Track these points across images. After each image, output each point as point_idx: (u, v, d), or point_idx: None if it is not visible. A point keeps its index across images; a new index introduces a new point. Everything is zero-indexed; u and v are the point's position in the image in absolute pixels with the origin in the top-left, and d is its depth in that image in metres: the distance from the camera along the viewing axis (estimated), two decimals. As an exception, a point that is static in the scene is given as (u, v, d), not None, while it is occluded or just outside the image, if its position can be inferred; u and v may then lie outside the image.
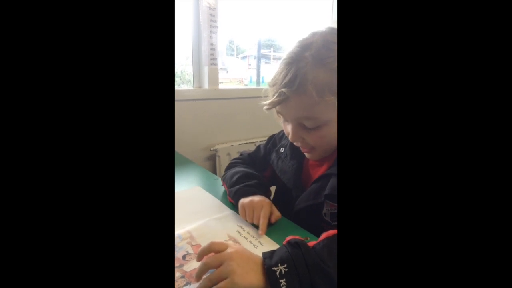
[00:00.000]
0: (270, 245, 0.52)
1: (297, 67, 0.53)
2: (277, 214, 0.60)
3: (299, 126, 0.57)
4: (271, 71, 0.61)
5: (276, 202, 0.65)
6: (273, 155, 0.74)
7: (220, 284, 0.39)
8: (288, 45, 0.59)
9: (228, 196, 0.69)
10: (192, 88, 1.43)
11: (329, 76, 0.51)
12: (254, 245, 0.52)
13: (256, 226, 0.57)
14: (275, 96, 0.55)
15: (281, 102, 0.55)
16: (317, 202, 0.58)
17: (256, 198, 0.61)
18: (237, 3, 1.58)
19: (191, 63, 1.42)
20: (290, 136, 0.59)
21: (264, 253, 0.43)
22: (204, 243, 0.51)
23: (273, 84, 0.57)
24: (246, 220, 0.60)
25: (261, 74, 1.98)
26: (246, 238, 0.54)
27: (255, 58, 2.00)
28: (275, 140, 0.78)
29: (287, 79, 0.53)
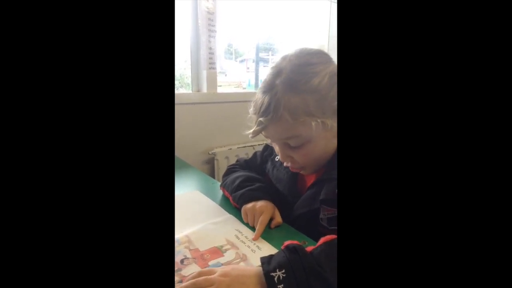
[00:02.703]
0: (268, 249, 0.52)
1: (270, 95, 0.56)
2: (278, 220, 0.61)
3: (285, 146, 0.60)
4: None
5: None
6: (269, 164, 0.75)
7: None
8: (286, 49, 0.61)
9: (232, 201, 0.69)
10: (191, 91, 1.43)
11: (300, 98, 0.54)
12: (252, 250, 0.52)
13: (254, 231, 0.58)
14: (256, 125, 0.59)
15: (262, 130, 0.59)
16: (313, 208, 0.59)
17: (259, 204, 0.62)
18: (236, 7, 1.59)
19: (190, 67, 1.42)
20: (279, 157, 0.62)
21: (262, 258, 0.43)
22: (202, 248, 0.52)
23: (253, 112, 0.61)
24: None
25: (260, 78, 1.98)
26: (244, 243, 0.54)
27: (253, 61, 2.01)
28: (271, 148, 0.78)
29: (263, 108, 0.57)
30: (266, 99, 0.56)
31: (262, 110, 0.57)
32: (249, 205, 0.63)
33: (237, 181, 0.70)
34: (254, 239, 0.56)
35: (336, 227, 0.56)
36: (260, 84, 0.64)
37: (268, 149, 0.79)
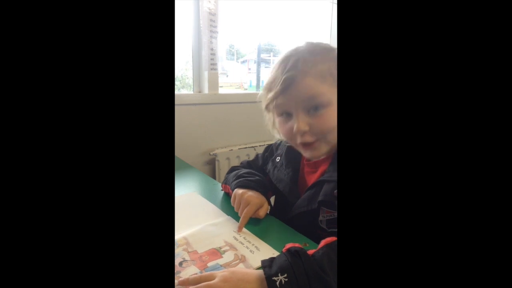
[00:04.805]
0: (266, 250, 0.52)
1: (295, 57, 0.58)
2: (260, 213, 0.62)
3: (304, 110, 0.58)
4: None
5: (275, 209, 0.65)
6: (269, 165, 0.75)
7: None
8: (288, 50, 0.64)
9: (230, 191, 0.71)
10: (192, 92, 1.44)
11: (325, 63, 0.57)
12: (250, 251, 0.52)
13: (253, 232, 0.58)
14: (279, 85, 0.57)
15: (287, 87, 0.57)
16: (311, 208, 0.58)
17: (249, 193, 0.63)
18: (238, 8, 1.59)
19: (191, 68, 1.43)
20: (295, 128, 0.58)
21: (263, 261, 0.43)
22: (200, 250, 0.52)
23: (271, 81, 0.60)
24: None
25: (261, 79, 1.99)
26: (243, 244, 0.54)
27: (255, 62, 2.01)
28: (272, 149, 0.79)
29: (289, 66, 0.57)
30: (292, 60, 0.57)
31: (288, 68, 0.57)
32: (240, 191, 0.64)
33: (240, 173, 0.72)
34: (238, 231, 0.58)
35: (335, 229, 0.56)
36: (264, 84, 0.65)
37: (268, 150, 0.79)
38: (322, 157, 0.63)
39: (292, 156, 0.70)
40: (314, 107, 0.57)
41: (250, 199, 0.62)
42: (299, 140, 0.60)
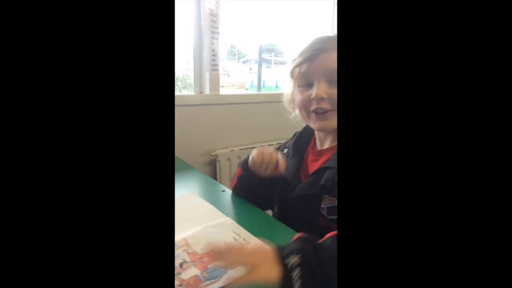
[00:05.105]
0: (266, 252, 0.53)
1: (328, 36, 0.64)
2: (282, 167, 0.64)
3: (325, 81, 0.61)
4: (272, 75, 0.69)
5: (277, 195, 0.69)
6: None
7: (237, 276, 0.39)
8: (289, 50, 0.66)
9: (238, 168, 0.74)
10: (193, 93, 1.44)
11: None
12: (250, 253, 0.53)
13: (252, 232, 0.58)
14: (308, 52, 0.62)
15: (315, 56, 0.62)
16: (312, 193, 0.60)
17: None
18: (239, 8, 1.60)
19: (193, 68, 1.43)
20: (314, 94, 0.62)
21: (276, 246, 0.43)
22: (200, 251, 0.52)
23: (303, 50, 0.64)
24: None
25: (262, 79, 1.99)
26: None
27: (256, 62, 2.01)
28: (282, 145, 0.83)
29: (321, 40, 0.63)
30: (325, 37, 0.63)
31: (320, 41, 0.62)
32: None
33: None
34: (283, 171, 0.64)
35: (334, 216, 0.57)
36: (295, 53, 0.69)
37: (279, 146, 0.83)
38: (330, 130, 0.66)
39: (299, 145, 0.73)
40: (335, 80, 0.59)
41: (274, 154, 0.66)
42: (314, 106, 0.63)
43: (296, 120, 0.75)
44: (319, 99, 0.61)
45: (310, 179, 0.63)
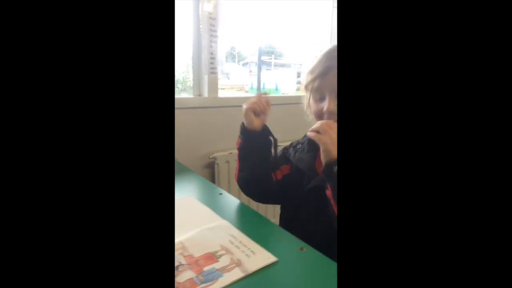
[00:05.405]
0: (262, 254, 0.53)
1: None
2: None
3: (336, 96, 0.66)
4: (272, 78, 0.72)
5: (289, 185, 0.77)
6: (291, 149, 0.84)
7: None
8: (288, 52, 0.67)
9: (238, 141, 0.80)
10: (192, 96, 1.45)
11: None
12: (246, 255, 0.53)
13: (248, 235, 0.58)
14: (320, 69, 0.68)
15: (326, 73, 0.67)
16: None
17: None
18: (239, 10, 1.60)
19: (191, 71, 1.44)
20: (325, 108, 0.68)
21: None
22: (196, 254, 0.52)
23: (315, 65, 0.70)
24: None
25: (262, 81, 1.99)
26: (239, 248, 0.55)
27: (256, 64, 2.02)
28: (296, 142, 0.87)
29: (331, 56, 0.67)
30: (336, 53, 0.65)
31: (331, 57, 0.67)
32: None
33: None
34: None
35: None
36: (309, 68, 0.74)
37: (285, 147, 0.88)
38: None
39: (313, 143, 0.77)
40: None
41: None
42: (326, 118, 0.68)
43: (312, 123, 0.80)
44: (330, 113, 0.67)
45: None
